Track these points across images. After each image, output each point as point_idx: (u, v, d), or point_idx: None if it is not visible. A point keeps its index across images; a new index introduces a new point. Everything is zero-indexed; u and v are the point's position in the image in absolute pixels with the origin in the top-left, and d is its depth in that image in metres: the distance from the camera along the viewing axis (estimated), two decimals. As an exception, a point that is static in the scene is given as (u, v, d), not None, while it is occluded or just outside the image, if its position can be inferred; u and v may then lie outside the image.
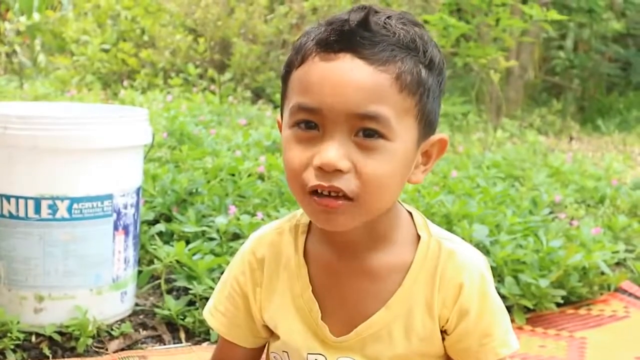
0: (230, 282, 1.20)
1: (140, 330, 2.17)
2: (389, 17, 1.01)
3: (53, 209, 2.02)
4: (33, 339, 2.03)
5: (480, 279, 1.08)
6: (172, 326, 2.19)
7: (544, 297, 2.39)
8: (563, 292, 2.43)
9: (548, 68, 9.14)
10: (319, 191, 0.99)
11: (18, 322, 2.00)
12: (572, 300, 2.52)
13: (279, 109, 1.06)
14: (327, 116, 0.97)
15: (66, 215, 2.03)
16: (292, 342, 1.13)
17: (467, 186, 3.37)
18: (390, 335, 1.08)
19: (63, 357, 1.96)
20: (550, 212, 3.35)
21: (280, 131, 1.07)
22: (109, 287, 2.13)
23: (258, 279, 1.17)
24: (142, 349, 2.06)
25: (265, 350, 1.24)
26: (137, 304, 2.30)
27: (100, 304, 2.11)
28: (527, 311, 2.38)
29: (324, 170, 0.97)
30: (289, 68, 1.04)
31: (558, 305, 2.44)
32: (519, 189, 3.76)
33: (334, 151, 0.96)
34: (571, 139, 6.98)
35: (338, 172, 0.96)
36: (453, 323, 1.08)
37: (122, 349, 2.04)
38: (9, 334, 1.97)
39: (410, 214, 1.13)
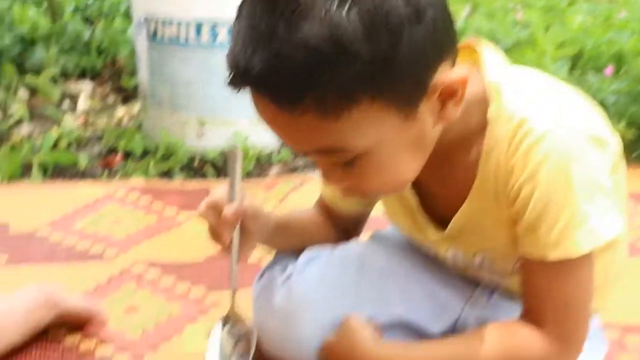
0: None
1: (298, 158, 2.17)
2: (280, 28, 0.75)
3: (213, 33, 2.00)
4: (196, 162, 2.08)
5: (557, 160, 0.86)
6: (329, 154, 2.18)
7: None
8: None
9: None
10: None
11: (182, 145, 2.05)
12: None
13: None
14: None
15: (226, 41, 2.01)
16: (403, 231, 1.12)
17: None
18: (481, 226, 0.98)
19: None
20: None
21: None
22: (267, 117, 2.13)
23: None
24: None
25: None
26: (293, 135, 2.30)
27: (259, 133, 2.12)
28: None
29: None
30: None
31: None
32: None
33: (327, 180, 0.90)
34: None
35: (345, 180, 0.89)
36: (519, 212, 0.91)
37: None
38: (174, 155, 2.03)
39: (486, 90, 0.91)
